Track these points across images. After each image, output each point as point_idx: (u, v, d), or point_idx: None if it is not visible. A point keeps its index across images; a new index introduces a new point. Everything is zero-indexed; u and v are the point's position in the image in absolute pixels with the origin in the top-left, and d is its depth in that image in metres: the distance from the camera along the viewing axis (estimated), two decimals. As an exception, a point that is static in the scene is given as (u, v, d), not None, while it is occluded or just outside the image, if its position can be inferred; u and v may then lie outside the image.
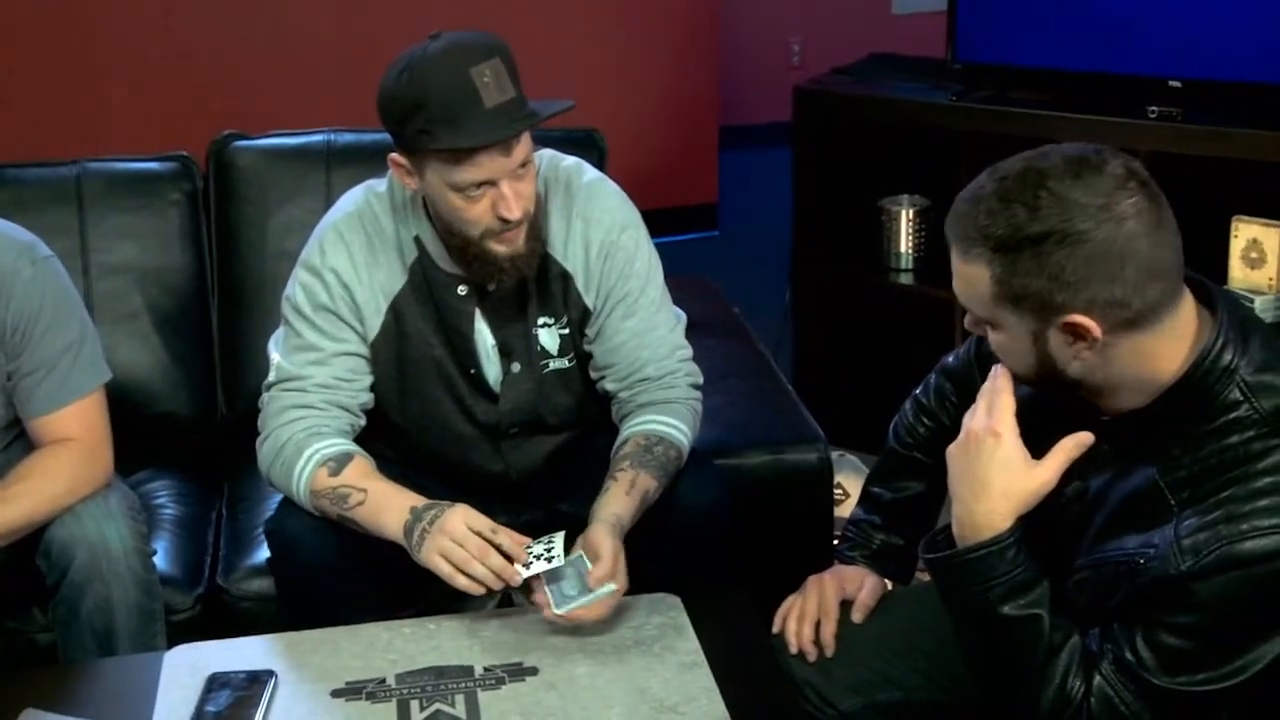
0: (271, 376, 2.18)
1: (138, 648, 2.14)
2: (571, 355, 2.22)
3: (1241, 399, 1.55)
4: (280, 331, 2.21)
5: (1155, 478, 1.58)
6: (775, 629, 1.99)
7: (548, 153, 2.22)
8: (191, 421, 2.76)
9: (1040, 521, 1.63)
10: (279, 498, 2.20)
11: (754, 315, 3.22)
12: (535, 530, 2.04)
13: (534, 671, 1.90)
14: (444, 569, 1.94)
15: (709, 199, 5.46)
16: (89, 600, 2.12)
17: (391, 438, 2.25)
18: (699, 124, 5.36)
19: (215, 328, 2.81)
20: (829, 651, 1.95)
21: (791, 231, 3.78)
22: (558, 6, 4.91)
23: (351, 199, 2.20)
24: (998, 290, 1.55)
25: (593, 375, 2.24)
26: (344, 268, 2.14)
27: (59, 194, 2.72)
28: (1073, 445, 1.61)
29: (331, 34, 4.61)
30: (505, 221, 2.01)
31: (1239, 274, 3.00)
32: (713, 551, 2.14)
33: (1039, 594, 1.61)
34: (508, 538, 1.96)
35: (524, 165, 2.00)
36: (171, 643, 2.10)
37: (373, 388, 2.19)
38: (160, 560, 2.31)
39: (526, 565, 1.94)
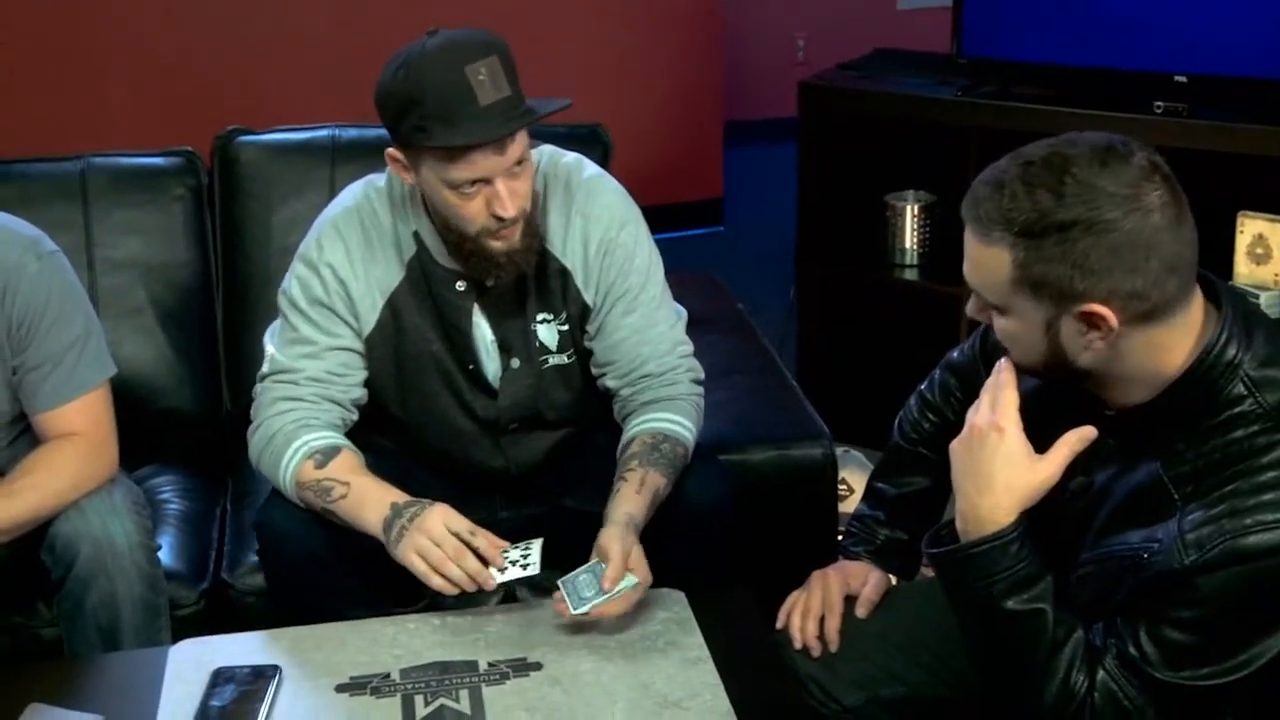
0: (265, 368, 2.18)
1: (142, 643, 2.14)
2: (571, 351, 2.22)
3: (1246, 393, 1.55)
4: (276, 324, 2.22)
5: (1159, 472, 1.58)
6: (779, 624, 1.99)
7: (548, 149, 2.21)
8: (196, 417, 2.77)
9: (1044, 516, 1.63)
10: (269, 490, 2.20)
11: (758, 311, 3.22)
12: (538, 526, 2.04)
13: (538, 667, 1.90)
14: (419, 567, 1.94)
15: (714, 194, 5.46)
16: (94, 595, 2.12)
17: (394, 432, 2.26)
18: (704, 119, 5.36)
19: (220, 323, 2.81)
20: (833, 647, 1.95)
21: (796, 227, 3.77)
22: (562, 1, 4.90)
23: (351, 194, 2.20)
24: (1017, 275, 1.53)
25: (594, 372, 2.24)
26: (340, 263, 2.14)
27: (64, 189, 2.72)
28: (1076, 440, 1.61)
29: (336, 29, 4.61)
30: (500, 219, 2.00)
31: (1244, 269, 3.00)
32: (717, 547, 2.14)
33: (1042, 589, 1.61)
34: (485, 540, 1.96)
35: (519, 163, 1.99)
36: (176, 638, 2.11)
37: (369, 383, 2.19)
38: (165, 555, 2.32)
39: (502, 570, 1.94)
